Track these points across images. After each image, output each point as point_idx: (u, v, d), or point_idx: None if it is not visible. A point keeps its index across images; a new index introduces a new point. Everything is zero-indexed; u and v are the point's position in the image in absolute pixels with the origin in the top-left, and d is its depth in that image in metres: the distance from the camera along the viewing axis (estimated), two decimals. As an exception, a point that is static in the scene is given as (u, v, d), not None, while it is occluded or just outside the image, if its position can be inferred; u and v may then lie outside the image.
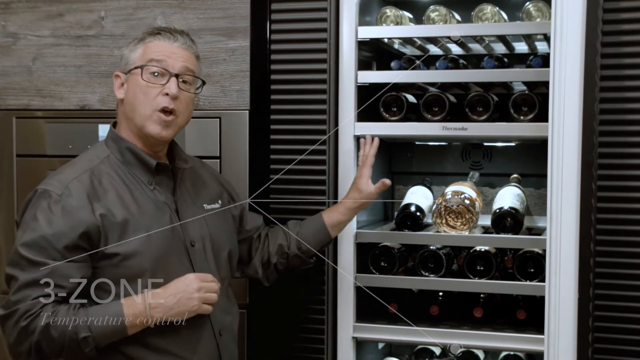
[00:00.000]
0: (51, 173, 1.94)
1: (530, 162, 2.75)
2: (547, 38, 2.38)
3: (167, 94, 1.91)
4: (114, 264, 1.85)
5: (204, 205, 2.07)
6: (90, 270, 1.84)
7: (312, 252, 2.25)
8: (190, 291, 1.88)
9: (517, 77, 2.44)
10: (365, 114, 2.46)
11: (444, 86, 2.60)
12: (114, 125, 2.03)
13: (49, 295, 1.78)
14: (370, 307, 2.52)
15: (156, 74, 1.92)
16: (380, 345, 2.78)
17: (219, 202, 2.13)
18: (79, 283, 1.82)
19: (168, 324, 1.87)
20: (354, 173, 2.41)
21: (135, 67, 1.93)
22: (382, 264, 2.48)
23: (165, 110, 1.92)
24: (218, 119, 2.48)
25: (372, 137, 2.35)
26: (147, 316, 1.83)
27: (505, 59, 2.55)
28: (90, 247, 1.83)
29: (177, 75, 1.93)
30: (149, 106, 1.92)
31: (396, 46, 2.70)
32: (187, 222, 1.98)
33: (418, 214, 2.53)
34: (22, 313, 1.76)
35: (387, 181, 2.28)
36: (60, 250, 1.79)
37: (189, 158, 2.10)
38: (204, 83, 2.03)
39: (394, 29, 2.52)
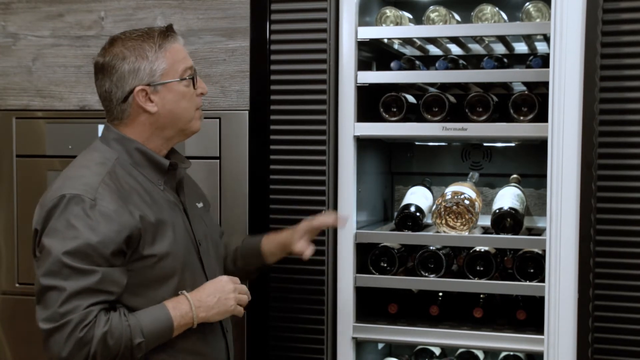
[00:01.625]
0: (64, 178, 1.86)
1: (530, 162, 2.75)
2: (547, 38, 2.38)
3: (201, 93, 1.97)
4: (149, 265, 1.83)
5: (197, 204, 2.08)
6: (127, 274, 1.81)
7: (244, 269, 2.25)
8: (228, 291, 1.91)
9: (517, 77, 2.44)
10: (365, 114, 2.46)
11: (444, 86, 2.60)
12: (111, 125, 1.95)
13: (100, 302, 1.74)
14: (370, 308, 2.52)
15: (192, 78, 1.94)
16: (380, 346, 2.78)
17: (201, 202, 2.13)
18: (126, 288, 1.80)
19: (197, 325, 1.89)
20: (354, 173, 2.41)
21: (176, 80, 1.90)
22: (382, 264, 2.48)
23: (200, 107, 1.98)
24: (218, 119, 2.48)
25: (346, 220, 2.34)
26: (193, 316, 1.84)
27: (505, 59, 2.55)
28: (128, 249, 1.79)
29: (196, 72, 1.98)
30: (192, 109, 1.95)
31: (396, 46, 2.71)
32: (194, 221, 2.00)
33: (418, 214, 2.53)
34: (76, 323, 1.70)
35: (309, 252, 2.19)
36: (107, 256, 1.75)
37: (186, 160, 2.08)
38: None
39: (393, 29, 2.52)
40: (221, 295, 1.90)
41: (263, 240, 2.25)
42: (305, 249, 2.19)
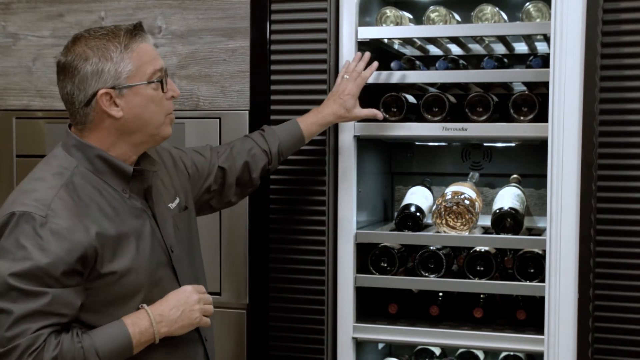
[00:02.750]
0: (17, 193, 1.75)
1: (530, 163, 2.75)
2: (547, 38, 2.38)
3: (172, 97, 1.85)
4: (110, 283, 1.73)
5: (170, 205, 1.95)
6: (85, 294, 1.71)
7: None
8: (192, 303, 1.82)
9: (517, 77, 2.44)
10: (365, 114, 2.46)
11: (444, 86, 2.60)
12: (71, 129, 1.83)
13: (49, 325, 1.64)
14: (370, 308, 2.52)
15: (161, 81, 1.81)
16: (380, 346, 2.78)
17: (177, 197, 2.00)
18: (79, 309, 1.69)
19: (167, 337, 1.81)
20: (354, 173, 2.41)
21: (143, 83, 1.77)
22: (382, 264, 2.48)
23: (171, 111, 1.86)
24: (218, 120, 2.48)
25: (362, 54, 2.36)
26: (155, 332, 1.75)
27: (505, 59, 2.55)
28: (84, 269, 1.69)
29: (167, 74, 1.85)
30: (162, 113, 1.82)
31: (396, 46, 2.71)
32: (165, 227, 1.88)
33: (418, 214, 2.53)
34: (23, 349, 1.61)
35: (380, 115, 2.31)
36: (58, 277, 1.64)
37: (156, 162, 1.95)
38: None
39: (394, 29, 2.52)
40: (185, 307, 1.81)
41: (302, 126, 2.27)
42: (375, 111, 2.28)
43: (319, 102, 2.39)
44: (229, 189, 2.20)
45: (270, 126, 2.30)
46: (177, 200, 1.99)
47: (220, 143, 2.47)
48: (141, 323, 1.75)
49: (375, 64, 2.35)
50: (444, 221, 2.43)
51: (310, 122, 2.29)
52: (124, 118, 1.78)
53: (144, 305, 1.78)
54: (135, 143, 1.83)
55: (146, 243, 1.82)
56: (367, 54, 2.34)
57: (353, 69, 2.33)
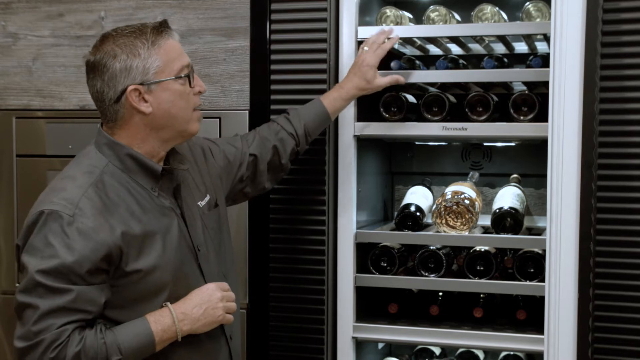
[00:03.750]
0: (48, 191, 1.80)
1: (530, 162, 2.75)
2: (547, 38, 2.38)
3: (199, 92, 1.87)
4: (136, 280, 1.76)
5: (199, 203, 1.97)
6: (110, 291, 1.75)
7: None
8: (215, 301, 1.85)
9: (517, 77, 2.44)
10: (366, 114, 2.46)
11: (444, 86, 2.60)
12: (103, 128, 1.87)
13: (74, 321, 1.68)
14: (370, 308, 2.52)
15: (188, 77, 1.85)
16: (380, 346, 2.78)
17: (207, 195, 2.01)
18: (104, 306, 1.73)
19: (190, 334, 1.83)
20: (354, 173, 2.41)
21: (171, 79, 1.80)
22: (382, 264, 2.48)
23: (198, 107, 1.89)
24: (218, 119, 2.48)
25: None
26: (177, 330, 1.78)
27: (505, 59, 2.55)
28: (110, 267, 1.73)
29: (193, 70, 1.88)
30: (189, 109, 1.85)
31: (396, 46, 2.70)
32: (193, 226, 1.91)
33: (418, 214, 2.53)
34: (48, 343, 1.65)
35: (402, 78, 2.32)
36: (83, 275, 1.68)
37: (185, 161, 1.99)
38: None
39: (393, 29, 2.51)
40: (208, 305, 1.83)
41: (327, 104, 2.28)
42: (397, 76, 2.31)
43: (319, 102, 2.39)
44: (261, 176, 2.23)
45: (294, 108, 2.31)
46: (207, 198, 2.01)
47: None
48: (164, 321, 1.77)
49: (397, 36, 2.36)
50: (444, 221, 2.44)
51: (333, 98, 2.30)
52: (153, 114, 1.81)
53: (167, 303, 1.80)
54: (164, 139, 1.86)
55: (173, 242, 1.84)
56: (390, 28, 2.35)
57: (373, 41, 2.33)
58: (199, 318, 1.82)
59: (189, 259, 1.89)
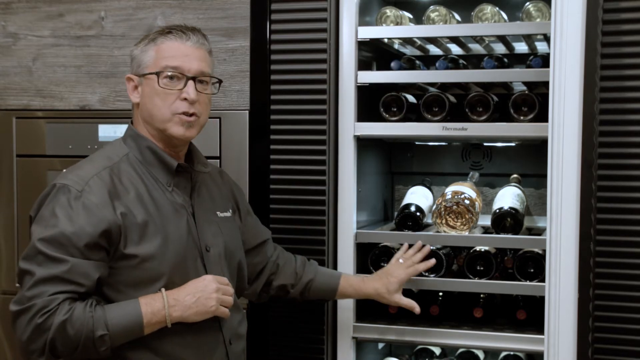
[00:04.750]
0: (68, 169, 1.89)
1: (530, 162, 2.75)
2: (547, 38, 2.38)
3: (185, 99, 1.87)
4: (132, 265, 1.81)
5: (217, 212, 2.03)
6: (107, 270, 1.79)
7: (310, 300, 2.28)
8: (209, 291, 1.85)
9: (517, 77, 2.44)
10: (366, 114, 2.46)
11: (444, 86, 2.60)
12: (132, 122, 1.98)
13: (66, 292, 1.73)
14: (370, 308, 2.52)
15: (172, 78, 1.88)
16: (380, 346, 2.78)
17: (229, 211, 2.09)
18: (96, 281, 1.77)
19: (183, 328, 1.85)
20: (354, 173, 2.41)
21: (151, 73, 1.88)
22: (382, 264, 2.47)
23: (186, 114, 1.89)
24: (218, 119, 2.48)
25: (423, 245, 2.34)
26: (166, 315, 1.79)
27: (505, 59, 2.55)
28: (109, 246, 1.79)
29: (193, 78, 1.89)
30: (167, 110, 1.88)
31: (396, 46, 2.71)
32: (203, 226, 1.95)
33: (418, 214, 2.53)
34: (38, 309, 1.71)
35: (417, 309, 2.28)
36: (80, 248, 1.75)
37: (208, 164, 2.05)
38: (220, 82, 1.99)
39: (394, 29, 2.52)
40: (202, 294, 1.84)
41: (342, 282, 2.25)
42: (413, 304, 2.26)
43: (318, 102, 2.39)
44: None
45: (315, 263, 2.30)
46: (227, 214, 2.07)
47: (220, 143, 2.48)
48: (155, 304, 1.80)
49: (432, 261, 2.32)
50: (444, 221, 2.44)
51: (350, 284, 2.27)
52: (140, 105, 1.93)
53: (162, 289, 1.83)
54: (157, 135, 1.92)
55: (177, 237, 1.88)
56: (427, 248, 2.32)
57: (410, 257, 2.32)
58: (191, 306, 1.83)
59: (194, 256, 1.91)
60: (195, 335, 1.89)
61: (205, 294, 1.85)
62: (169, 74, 1.87)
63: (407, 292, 2.58)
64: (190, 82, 1.88)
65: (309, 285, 2.24)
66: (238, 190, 2.20)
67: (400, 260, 2.31)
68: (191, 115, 1.89)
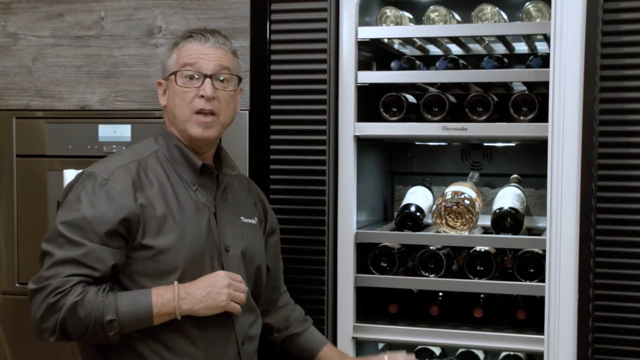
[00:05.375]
0: (99, 160, 1.96)
1: (530, 162, 2.75)
2: (547, 38, 2.38)
3: (202, 96, 1.92)
4: (148, 256, 1.86)
5: (242, 217, 2.07)
6: (123, 258, 1.84)
7: (289, 351, 2.27)
8: (220, 286, 1.88)
9: (517, 77, 2.44)
10: (366, 114, 2.46)
11: (444, 86, 2.60)
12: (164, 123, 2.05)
13: (81, 275, 1.78)
14: (370, 308, 2.52)
15: (190, 77, 1.94)
16: (380, 346, 2.78)
17: (255, 219, 2.12)
18: (112, 269, 1.82)
19: (193, 322, 1.87)
20: (354, 173, 2.41)
21: (171, 74, 1.96)
22: (382, 264, 2.48)
23: (204, 112, 1.93)
24: (218, 119, 2.48)
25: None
26: (175, 306, 1.82)
27: (505, 59, 2.55)
28: (128, 234, 1.84)
29: (211, 76, 1.93)
30: (187, 109, 1.94)
31: (396, 46, 2.71)
32: (225, 227, 1.99)
33: (418, 214, 2.53)
34: (52, 289, 1.76)
35: None
36: (99, 233, 1.80)
37: (236, 168, 2.11)
38: (240, 79, 2.03)
39: (394, 29, 2.52)
40: (212, 289, 1.86)
41: (324, 350, 2.23)
42: None
43: (318, 102, 2.39)
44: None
45: (310, 321, 2.30)
46: (253, 221, 2.11)
47: (220, 143, 2.47)
48: (166, 295, 1.83)
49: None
50: (444, 221, 2.44)
51: (330, 356, 2.25)
52: (166, 107, 2.01)
53: (175, 281, 1.87)
54: (184, 137, 1.98)
55: (196, 234, 1.92)
56: (413, 357, 2.24)
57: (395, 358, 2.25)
58: (201, 299, 1.85)
59: (212, 254, 1.95)
60: (205, 331, 1.91)
61: (216, 288, 1.87)
62: (187, 73, 1.94)
63: (407, 292, 2.59)
64: (207, 80, 1.93)
65: (293, 337, 2.24)
66: (268, 204, 2.24)
67: (386, 357, 2.25)
68: (209, 113, 1.93)
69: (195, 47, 1.96)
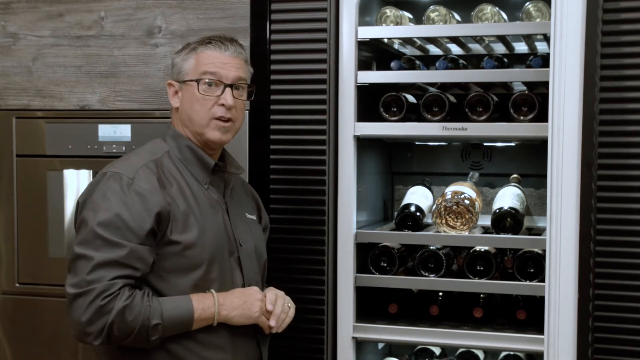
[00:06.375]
0: (114, 162, 1.98)
1: (530, 162, 2.75)
2: (547, 38, 2.38)
3: (222, 105, 1.98)
4: (176, 252, 1.89)
5: (246, 214, 2.14)
6: (155, 255, 1.88)
7: None
8: (254, 299, 1.97)
9: (517, 77, 2.44)
10: (366, 114, 2.46)
11: (444, 86, 2.60)
12: (171, 123, 2.08)
13: (123, 276, 1.81)
14: (370, 308, 2.52)
15: (211, 85, 1.98)
16: (380, 346, 2.78)
17: (255, 215, 2.19)
18: (151, 267, 1.86)
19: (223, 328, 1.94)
20: (354, 173, 2.41)
21: (191, 80, 1.98)
22: (382, 264, 2.48)
23: (223, 119, 1.99)
24: (218, 119, 2.48)
25: None
26: (215, 312, 1.89)
27: (505, 59, 2.55)
28: (159, 230, 1.88)
29: (231, 86, 1.99)
30: (206, 115, 1.98)
31: (396, 46, 2.71)
32: (236, 223, 2.06)
33: (418, 214, 2.53)
34: (98, 292, 1.78)
35: None
36: (137, 232, 1.83)
37: (241, 167, 2.16)
38: (255, 88, 2.08)
39: (394, 29, 2.52)
40: (247, 299, 1.96)
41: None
42: None
43: (318, 102, 2.39)
44: None
45: None
46: (253, 217, 2.18)
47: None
48: (206, 301, 1.90)
49: None
50: (444, 221, 2.44)
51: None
52: (180, 109, 2.03)
53: (212, 290, 1.93)
54: (197, 139, 2.02)
55: (215, 229, 1.98)
56: None
57: None
58: (236, 307, 1.93)
59: (230, 249, 2.02)
60: (232, 331, 1.97)
61: (251, 299, 1.97)
62: (208, 81, 1.98)
63: (407, 292, 2.59)
64: (228, 89, 1.99)
65: None
66: (260, 201, 2.30)
67: None
68: (227, 120, 2.00)
69: (214, 55, 1.99)
